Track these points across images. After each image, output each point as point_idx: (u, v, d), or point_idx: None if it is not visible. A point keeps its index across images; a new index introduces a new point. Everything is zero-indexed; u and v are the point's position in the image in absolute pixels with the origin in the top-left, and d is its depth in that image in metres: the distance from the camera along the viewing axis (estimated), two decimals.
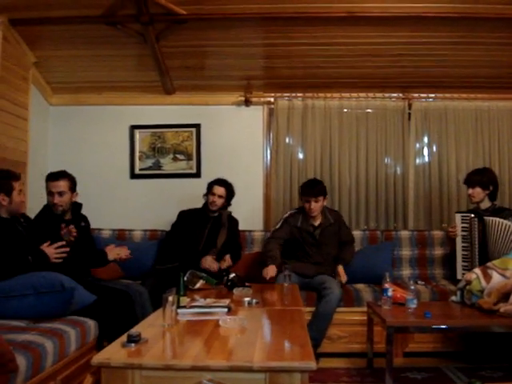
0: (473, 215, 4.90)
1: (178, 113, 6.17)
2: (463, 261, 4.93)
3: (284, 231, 5.11)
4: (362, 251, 5.47)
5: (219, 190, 5.19)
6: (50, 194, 4.18)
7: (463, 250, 4.96)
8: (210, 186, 5.24)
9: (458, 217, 5.07)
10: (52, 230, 4.03)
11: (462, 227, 4.98)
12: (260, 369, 2.23)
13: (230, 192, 5.26)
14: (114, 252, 4.28)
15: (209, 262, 4.95)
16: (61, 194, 4.18)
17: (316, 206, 5.01)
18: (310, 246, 5.07)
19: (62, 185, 4.19)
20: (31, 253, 3.69)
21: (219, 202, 5.19)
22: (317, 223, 5.14)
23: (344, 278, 4.93)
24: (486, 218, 4.78)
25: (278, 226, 5.20)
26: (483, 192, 4.92)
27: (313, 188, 5.06)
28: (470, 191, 4.96)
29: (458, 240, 5.00)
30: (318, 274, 4.92)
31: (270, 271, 4.72)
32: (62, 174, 4.24)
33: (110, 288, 4.04)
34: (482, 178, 4.95)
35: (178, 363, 2.29)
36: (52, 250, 3.78)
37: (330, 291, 4.54)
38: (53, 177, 4.21)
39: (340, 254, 5.15)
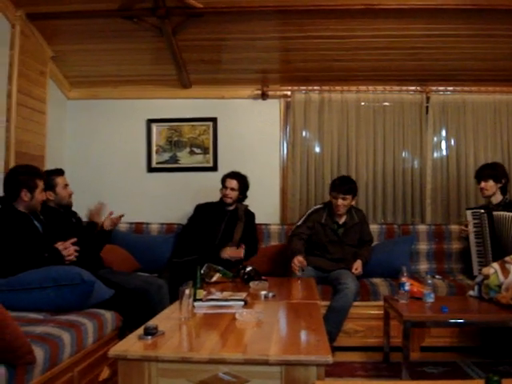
0: (482, 211, 4.88)
1: (194, 106, 6.18)
2: (478, 257, 4.91)
3: (306, 227, 5.07)
4: (379, 245, 5.45)
5: (231, 183, 5.20)
6: (65, 187, 4.35)
7: (477, 246, 4.94)
8: (223, 179, 5.27)
9: (468, 213, 5.07)
10: (67, 223, 4.19)
11: (474, 223, 4.97)
12: (276, 362, 2.24)
13: (243, 184, 5.25)
14: (110, 224, 4.52)
15: (229, 251, 4.97)
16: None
17: (343, 204, 4.97)
18: (331, 244, 5.06)
19: None
20: (48, 250, 3.73)
21: (232, 194, 5.20)
22: (341, 221, 5.13)
23: (357, 271, 4.88)
24: (495, 212, 4.75)
25: (300, 222, 5.17)
26: (495, 185, 4.91)
27: (343, 185, 5.01)
28: (483, 184, 4.94)
29: (471, 236, 4.99)
30: (336, 269, 4.92)
31: (296, 261, 4.64)
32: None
33: (128, 285, 4.06)
34: (494, 171, 4.94)
35: (195, 356, 2.30)
36: (65, 251, 3.82)
37: (345, 286, 4.54)
38: (62, 172, 4.40)
39: (360, 250, 5.13)
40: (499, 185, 4.93)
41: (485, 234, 4.81)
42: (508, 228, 4.61)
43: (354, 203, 5.16)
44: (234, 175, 5.25)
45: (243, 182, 5.26)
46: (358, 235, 5.17)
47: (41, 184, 3.86)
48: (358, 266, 4.91)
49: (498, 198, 4.96)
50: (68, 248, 3.79)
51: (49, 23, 5.01)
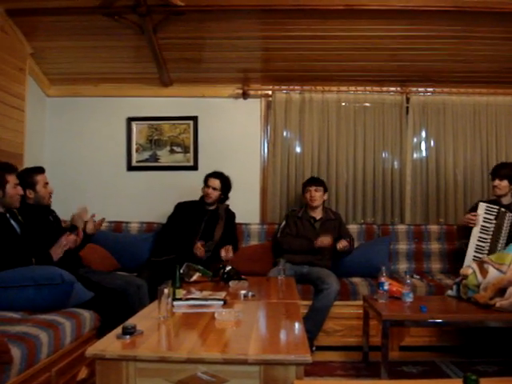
0: (503, 209, 4.76)
1: (175, 105, 6.15)
2: (476, 251, 4.74)
3: (291, 224, 5.27)
4: (359, 245, 5.49)
5: (214, 183, 5.20)
6: (45, 185, 4.29)
7: (479, 241, 4.77)
8: (206, 178, 5.27)
9: (482, 206, 4.87)
10: (45, 222, 4.12)
11: (485, 218, 4.80)
12: (255, 361, 2.23)
13: (225, 185, 5.26)
14: (92, 228, 4.48)
15: (196, 247, 4.94)
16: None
17: (316, 195, 5.22)
18: (308, 237, 5.13)
19: None
20: (35, 254, 3.72)
21: (214, 194, 5.20)
22: (318, 217, 5.28)
23: (342, 244, 5.00)
24: None
25: (284, 223, 5.35)
26: (509, 186, 4.86)
27: (314, 179, 5.38)
28: (497, 183, 4.86)
29: (475, 230, 4.80)
30: (309, 263, 5.02)
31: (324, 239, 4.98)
32: None
33: (108, 284, 4.03)
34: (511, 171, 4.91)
35: (173, 355, 2.29)
36: (58, 252, 3.86)
37: (328, 286, 4.58)
38: (42, 170, 4.33)
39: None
40: None
41: (501, 231, 4.69)
42: None
43: (325, 198, 5.38)
44: (217, 175, 5.25)
45: (226, 182, 5.27)
46: (336, 232, 5.21)
47: (11, 179, 3.78)
48: (343, 242, 5.03)
49: (508, 199, 4.90)
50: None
51: (28, 19, 4.96)
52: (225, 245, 5.06)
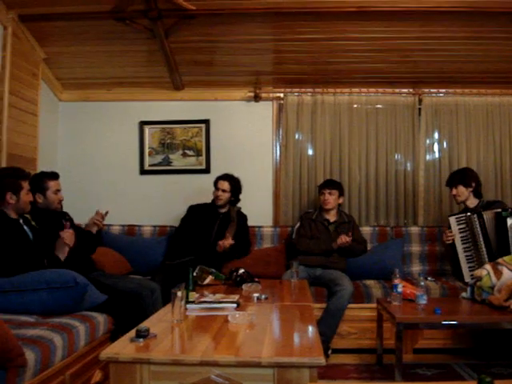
0: (469, 213, 4.86)
1: (187, 108, 6.17)
2: (468, 262, 4.85)
3: (306, 226, 5.28)
4: (372, 247, 5.48)
5: (223, 185, 5.24)
6: (56, 192, 4.29)
7: (465, 252, 4.88)
8: (216, 181, 5.31)
9: (452, 220, 5.02)
10: (58, 226, 4.12)
11: (459, 229, 4.93)
12: (268, 364, 2.23)
13: (235, 186, 5.28)
14: (92, 224, 4.42)
15: (220, 242, 5.01)
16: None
17: (330, 199, 5.23)
18: (323, 239, 5.16)
19: None
20: (47, 256, 3.74)
21: (224, 196, 5.23)
22: (332, 219, 5.29)
23: (346, 239, 4.95)
24: (484, 212, 4.75)
25: (298, 225, 5.37)
26: (466, 190, 4.98)
27: (328, 182, 5.34)
28: (454, 191, 5.04)
29: (458, 243, 4.92)
30: (323, 265, 5.02)
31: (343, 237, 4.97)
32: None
33: (121, 287, 4.04)
34: (463, 176, 5.01)
35: (187, 358, 2.29)
36: (62, 250, 3.89)
37: (341, 288, 4.57)
38: (56, 176, 4.33)
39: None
40: (470, 189, 4.99)
41: (477, 235, 4.77)
42: (496, 226, 4.65)
43: (341, 201, 5.38)
44: (226, 177, 5.27)
45: (235, 184, 5.28)
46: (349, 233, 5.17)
47: (26, 185, 3.80)
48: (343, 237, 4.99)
49: (473, 201, 5.02)
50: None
51: (41, 25, 4.99)
52: (237, 247, 5.11)
